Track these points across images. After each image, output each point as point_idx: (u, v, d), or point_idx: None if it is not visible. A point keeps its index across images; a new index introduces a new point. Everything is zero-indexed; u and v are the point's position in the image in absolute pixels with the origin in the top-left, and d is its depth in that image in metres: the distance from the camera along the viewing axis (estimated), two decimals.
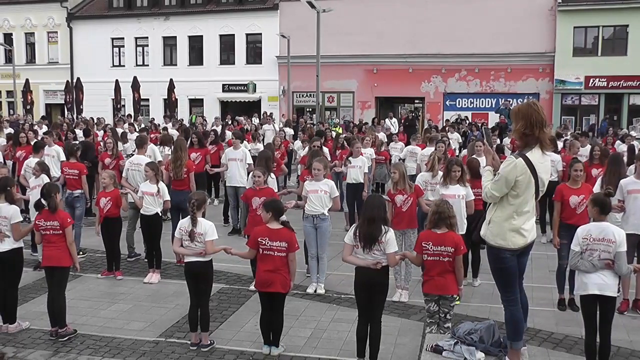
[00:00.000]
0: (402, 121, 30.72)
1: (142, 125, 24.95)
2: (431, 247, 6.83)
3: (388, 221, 6.92)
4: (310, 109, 36.47)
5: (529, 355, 6.69)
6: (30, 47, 43.32)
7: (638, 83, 32.87)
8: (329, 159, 14.41)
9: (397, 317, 8.65)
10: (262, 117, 30.93)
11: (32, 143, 13.65)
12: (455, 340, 6.43)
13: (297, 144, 18.68)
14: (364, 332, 6.94)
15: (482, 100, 36.33)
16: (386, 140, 21.03)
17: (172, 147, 12.98)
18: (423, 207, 9.29)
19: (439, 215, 6.88)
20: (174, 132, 20.69)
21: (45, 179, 10.61)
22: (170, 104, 34.41)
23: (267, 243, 7.16)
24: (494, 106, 34.56)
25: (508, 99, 31.92)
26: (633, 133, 23.99)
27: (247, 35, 39.30)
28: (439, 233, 6.85)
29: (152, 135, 19.39)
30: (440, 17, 34.45)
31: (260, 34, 38.82)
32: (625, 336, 7.99)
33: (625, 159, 11.22)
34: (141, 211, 10.57)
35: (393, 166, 9.69)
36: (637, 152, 12.39)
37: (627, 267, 6.75)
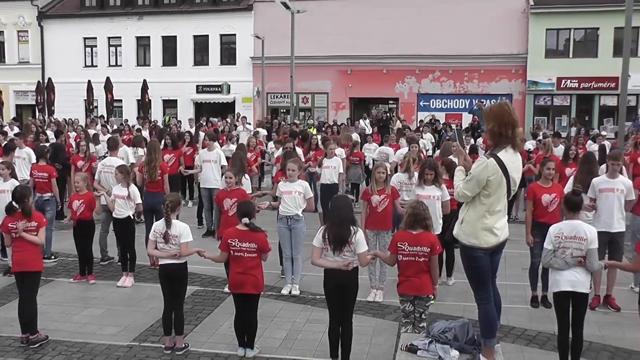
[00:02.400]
0: (373, 122, 30.80)
1: (115, 127, 24.74)
2: (407, 248, 6.83)
3: (356, 221, 6.92)
4: (285, 110, 36.49)
5: (503, 352, 6.73)
6: (0, 46, 42.74)
7: (608, 84, 33.29)
8: (303, 159, 14.44)
9: (372, 317, 8.67)
10: (235, 119, 30.75)
11: (2, 145, 13.45)
12: (430, 339, 6.46)
13: (271, 145, 18.63)
14: (336, 333, 6.94)
15: (456, 101, 36.62)
16: (360, 141, 21.06)
17: (146, 148, 12.88)
18: (398, 208, 9.30)
19: (415, 216, 6.88)
20: (146, 134, 20.56)
21: (15, 182, 10.42)
22: (143, 105, 34.18)
23: (237, 244, 7.13)
24: (467, 107, 34.87)
25: (481, 100, 32.17)
26: (604, 133, 24.27)
27: (221, 36, 39.20)
28: (414, 233, 6.86)
29: (125, 137, 19.23)
30: (414, 19, 34.62)
31: (235, 34, 38.75)
32: (597, 331, 8.10)
33: (597, 158, 11.36)
34: (113, 214, 10.48)
35: (381, 166, 9.63)
36: (608, 151, 12.54)
37: (598, 264, 6.86)
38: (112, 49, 40.97)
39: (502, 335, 7.61)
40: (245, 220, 7.16)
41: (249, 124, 28.48)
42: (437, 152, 16.50)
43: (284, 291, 9.68)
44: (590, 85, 34.49)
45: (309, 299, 9.40)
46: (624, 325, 8.40)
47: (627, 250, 9.93)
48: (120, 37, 40.54)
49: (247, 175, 10.97)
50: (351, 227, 6.77)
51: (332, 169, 13.32)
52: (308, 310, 8.98)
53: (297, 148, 14.97)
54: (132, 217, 10.45)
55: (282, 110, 37.68)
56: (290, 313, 8.86)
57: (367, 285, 9.33)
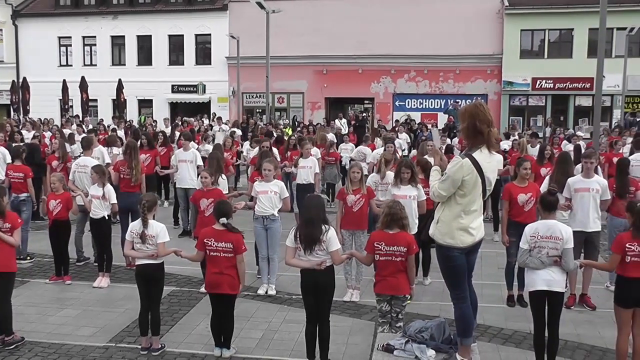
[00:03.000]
0: (352, 122, 30.86)
1: (90, 127, 24.52)
2: (383, 247, 6.84)
3: (328, 220, 6.92)
4: (260, 110, 36.41)
5: (479, 351, 6.77)
6: None
7: (583, 85, 33.66)
8: (279, 159, 14.44)
9: (349, 317, 8.68)
10: (211, 118, 30.64)
11: None
12: (407, 338, 6.48)
13: (246, 145, 18.55)
14: (313, 333, 6.93)
15: (431, 101, 36.82)
16: (336, 141, 21.10)
17: (122, 148, 12.78)
18: (374, 208, 9.31)
19: (391, 216, 6.90)
20: (121, 134, 20.39)
21: None
22: (119, 105, 33.93)
23: (213, 244, 7.11)
24: (443, 107, 35.07)
25: (457, 100, 32.35)
26: (579, 133, 24.53)
27: (197, 35, 39.06)
28: (391, 233, 6.87)
29: (100, 137, 19.06)
30: (389, 19, 34.73)
31: (210, 34, 38.63)
32: (572, 330, 8.18)
33: (572, 158, 11.45)
34: (90, 214, 10.39)
35: (356, 165, 9.65)
36: (583, 151, 12.65)
37: (574, 263, 6.92)
38: (87, 48, 40.65)
39: (478, 335, 7.65)
40: (223, 220, 7.14)
41: (225, 123, 28.40)
42: (413, 152, 16.56)
43: (260, 291, 9.66)
44: (565, 86, 34.86)
45: (285, 299, 9.39)
46: (600, 323, 8.48)
47: (603, 249, 10.06)
48: (95, 37, 40.24)
49: (224, 176, 10.93)
50: (322, 226, 6.77)
51: (308, 169, 13.32)
52: (284, 310, 8.97)
53: (273, 148, 14.96)
54: (107, 218, 10.36)
55: (257, 110, 37.59)
56: (267, 313, 8.84)
57: (343, 285, 9.34)
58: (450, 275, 6.27)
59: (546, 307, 6.75)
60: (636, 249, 6.61)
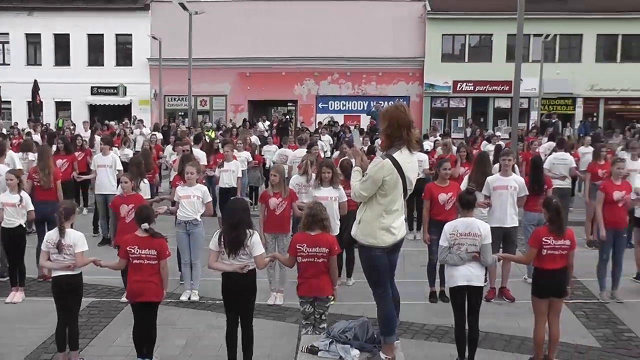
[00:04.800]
0: (275, 125, 30.80)
1: (4, 131, 23.62)
2: (305, 249, 6.84)
3: (252, 224, 6.87)
4: (183, 113, 35.88)
5: (403, 348, 6.84)
6: None
7: (502, 88, 34.65)
8: (205, 163, 14.30)
9: (273, 320, 8.64)
10: (132, 121, 30.00)
11: None
12: (331, 339, 6.48)
13: (168, 149, 18.25)
14: (234, 338, 6.88)
15: (354, 103, 37.14)
16: (259, 143, 20.99)
17: (36, 153, 12.35)
18: (296, 211, 9.26)
19: (312, 217, 6.91)
20: (37, 138, 19.76)
21: None
22: (34, 107, 32.58)
23: (137, 251, 6.93)
24: (365, 109, 35.42)
25: (379, 102, 32.76)
26: (499, 134, 25.16)
27: (117, 35, 38.08)
28: (312, 235, 6.87)
29: (15, 142, 18.40)
30: (313, 21, 34.89)
31: (131, 34, 37.72)
32: (492, 322, 8.38)
33: (491, 157, 11.74)
34: (2, 224, 9.71)
35: (274, 169, 9.65)
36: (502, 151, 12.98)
37: (492, 258, 7.15)
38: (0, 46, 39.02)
39: (401, 332, 7.75)
40: (145, 225, 6.97)
41: (145, 127, 27.87)
42: (336, 153, 16.64)
43: (183, 297, 9.52)
44: (485, 89, 35.83)
45: (209, 305, 9.27)
46: (518, 314, 8.74)
47: (521, 244, 10.32)
48: (8, 34, 38.40)
49: (145, 180, 10.73)
50: (247, 230, 6.71)
51: (231, 173, 13.21)
52: (208, 315, 8.86)
53: (199, 151, 14.82)
54: (23, 226, 9.87)
55: (180, 113, 37.01)
56: (190, 319, 8.72)
57: (267, 289, 9.29)
58: (372, 275, 6.30)
59: (466, 302, 6.91)
60: (552, 242, 6.86)
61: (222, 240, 6.74)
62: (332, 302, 7.29)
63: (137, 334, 7.13)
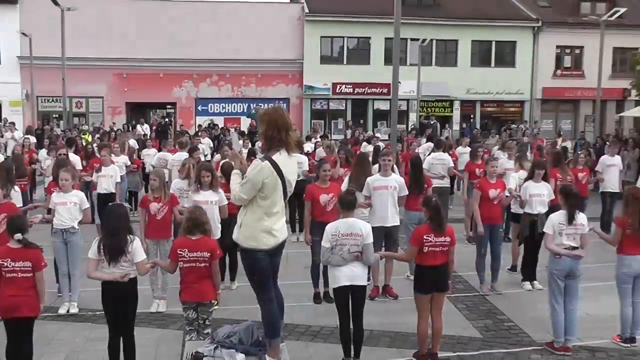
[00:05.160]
0: (154, 128, 30.18)
1: None
2: (187, 254, 6.74)
3: (132, 230, 6.69)
4: (57, 115, 34.42)
5: (288, 350, 6.86)
6: None
7: (381, 90, 35.46)
8: (80, 168, 13.80)
9: (156, 328, 8.43)
10: (2, 124, 28.48)
11: None
12: (215, 344, 6.42)
13: (42, 153, 17.46)
14: (116, 348, 6.66)
15: (234, 105, 36.94)
16: (138, 147, 20.46)
17: None
18: (177, 216, 9.09)
19: (193, 221, 6.83)
20: None
21: None
22: None
23: (10, 264, 6.50)
24: (245, 111, 35.34)
25: (259, 104, 32.67)
26: (378, 135, 25.70)
27: None
28: (194, 239, 6.78)
29: None
30: (191, 22, 34.36)
31: None
32: (377, 320, 8.52)
33: (370, 158, 11.93)
34: None
35: (153, 173, 9.46)
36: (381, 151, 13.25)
37: (374, 257, 7.31)
38: None
39: (287, 334, 7.75)
40: (18, 236, 6.56)
41: (17, 130, 26.56)
42: (217, 157, 16.49)
43: (62, 310, 9.11)
44: (364, 91, 36.55)
45: (89, 317, 8.90)
46: (402, 311, 8.89)
47: (403, 242, 10.54)
48: None
49: (17, 187, 10.21)
50: (127, 236, 6.53)
51: (109, 178, 12.82)
52: (88, 328, 8.50)
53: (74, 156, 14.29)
54: None
55: (54, 116, 35.41)
56: (69, 333, 8.34)
57: (149, 296, 9.06)
58: (255, 278, 6.29)
59: (350, 301, 6.98)
60: (432, 239, 7.04)
61: (101, 248, 6.51)
62: (215, 307, 7.21)
63: (11, 353, 6.66)
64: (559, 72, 38.75)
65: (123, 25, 34.06)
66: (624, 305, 7.94)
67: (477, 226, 10.01)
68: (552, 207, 9.63)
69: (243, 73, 36.29)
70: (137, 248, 6.58)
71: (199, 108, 36.84)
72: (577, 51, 38.86)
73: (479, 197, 10.10)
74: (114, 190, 12.81)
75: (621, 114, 36.92)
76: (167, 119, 35.00)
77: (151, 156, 17.89)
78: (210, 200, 9.09)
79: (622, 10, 28.46)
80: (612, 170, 14.41)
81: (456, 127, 37.47)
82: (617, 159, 14.97)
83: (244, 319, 7.48)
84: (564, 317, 7.66)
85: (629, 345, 7.88)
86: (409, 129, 30.81)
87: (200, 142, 20.13)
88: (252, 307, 7.79)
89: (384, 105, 36.13)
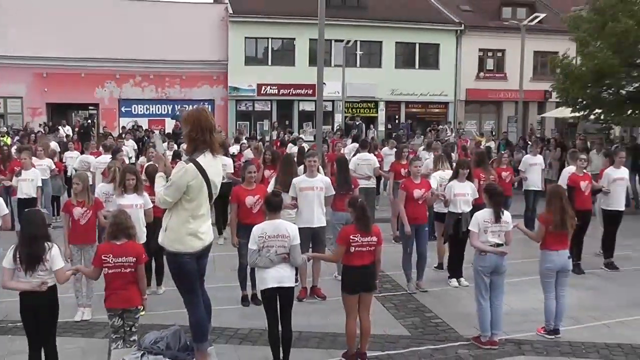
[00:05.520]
0: (76, 129, 29.41)
1: None
2: (112, 259, 6.58)
3: (50, 237, 6.49)
4: None
5: (217, 354, 6.81)
6: None
7: (306, 91, 35.53)
8: None
9: (81, 337, 8.19)
10: None
11: None
12: (142, 351, 6.34)
13: None
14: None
15: (158, 107, 36.38)
16: (59, 149, 19.91)
17: None
18: (101, 221, 8.87)
19: (117, 226, 6.68)
20: None
21: None
22: None
23: None
24: (170, 112, 34.96)
25: (184, 106, 32.18)
26: (303, 136, 25.77)
27: None
28: (118, 244, 6.64)
29: None
30: (113, 21, 33.48)
31: None
32: (305, 321, 8.54)
33: (296, 159, 11.94)
34: None
35: (76, 176, 9.19)
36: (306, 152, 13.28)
37: (301, 258, 7.29)
38: None
39: (215, 337, 7.69)
40: None
41: None
42: (141, 159, 16.24)
43: None
44: (289, 92, 36.57)
45: (9, 328, 8.54)
46: (330, 311, 8.95)
47: (330, 242, 10.58)
48: None
49: None
50: (45, 244, 6.32)
51: (30, 182, 12.43)
52: (6, 340, 8.15)
53: None
54: None
55: None
56: None
57: (74, 304, 8.82)
58: (182, 282, 6.22)
59: (278, 303, 6.97)
60: (359, 239, 7.08)
61: (17, 256, 6.28)
62: (142, 313, 7.10)
63: None
64: (481, 74, 39.81)
65: (43, 22, 32.92)
66: (547, 299, 8.20)
67: (404, 226, 10.13)
68: (476, 206, 9.85)
69: (167, 74, 35.78)
70: (55, 255, 6.37)
71: (123, 109, 36.10)
72: (499, 54, 40.01)
73: (404, 197, 10.23)
74: (34, 195, 12.44)
75: (542, 115, 38.24)
76: (89, 121, 34.13)
77: (73, 159, 17.46)
78: (135, 204, 8.94)
79: (542, 15, 29.34)
80: (534, 169, 14.91)
81: (381, 127, 37.94)
82: (540, 158, 15.50)
83: (171, 324, 7.40)
84: (490, 312, 7.85)
85: (553, 336, 8.14)
86: (335, 129, 31.03)
87: (124, 145, 19.75)
88: (179, 312, 7.71)
89: (309, 106, 36.22)
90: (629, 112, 20.56)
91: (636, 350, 7.82)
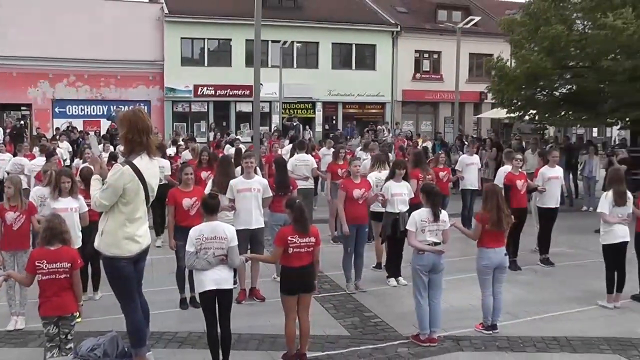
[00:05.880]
0: (8, 131, 28.57)
1: None
2: (45, 265, 6.41)
3: None
4: None
5: (156, 359, 6.71)
6: None
7: (243, 92, 35.41)
8: None
9: (14, 348, 7.92)
10: None
11: None
12: (79, 359, 6.18)
13: None
14: None
15: (94, 107, 35.67)
16: None
17: None
18: (35, 225, 8.64)
19: (51, 231, 6.51)
20: None
21: None
22: None
23: None
24: (105, 113, 34.33)
25: (119, 106, 31.66)
26: (241, 138, 25.68)
27: None
28: (52, 249, 6.47)
29: None
30: (46, 20, 32.65)
31: None
32: (244, 323, 8.49)
33: (233, 160, 11.87)
34: None
35: (8, 180, 8.92)
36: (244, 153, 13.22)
37: (239, 259, 7.23)
38: None
39: (153, 342, 7.56)
40: None
41: None
42: (77, 161, 15.91)
43: None
44: (226, 93, 36.38)
45: None
46: (270, 313, 8.92)
47: (268, 244, 10.57)
48: None
49: None
50: None
51: None
52: None
53: None
54: None
55: None
56: None
57: (6, 313, 8.56)
58: (119, 286, 6.13)
59: (217, 305, 6.92)
60: (297, 240, 7.08)
61: None
62: (78, 320, 6.94)
63: None
64: (418, 75, 40.39)
65: None
66: (485, 295, 8.36)
67: (342, 226, 10.18)
68: (413, 205, 9.96)
69: (102, 74, 35.10)
70: None
71: (57, 110, 35.18)
72: (435, 56, 40.72)
73: (343, 197, 10.28)
74: None
75: (478, 116, 39.05)
76: (22, 122, 33.17)
77: (5, 161, 16.90)
78: (70, 208, 8.73)
79: (477, 18, 29.94)
80: (471, 168, 15.20)
81: (319, 128, 38.09)
82: (476, 158, 15.81)
83: (108, 330, 7.28)
84: (429, 310, 7.95)
85: (490, 332, 8.31)
86: (272, 130, 31.00)
87: (59, 147, 19.30)
88: (116, 317, 7.59)
89: (246, 108, 36.03)
90: (563, 113, 21.15)
91: (571, 343, 8.04)
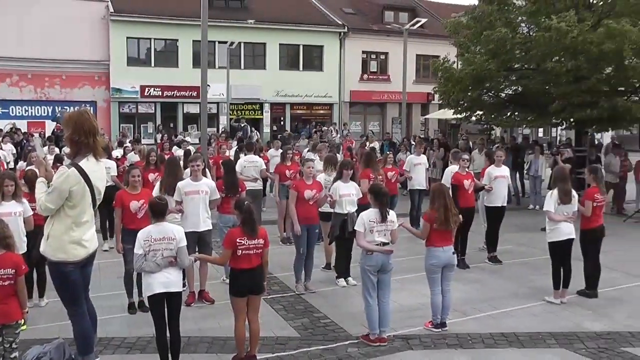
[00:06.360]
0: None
1: None
2: None
3: None
4: None
5: None
6: None
7: (190, 93, 35.05)
8: None
9: None
10: None
11: None
12: None
13: None
14: None
15: (38, 108, 34.87)
16: None
17: None
18: None
19: None
20: None
21: None
22: None
23: None
24: (50, 114, 33.63)
25: (65, 107, 31.01)
26: (188, 139, 25.46)
27: None
28: None
29: None
30: None
31: None
32: (194, 326, 8.46)
33: (182, 163, 11.78)
34: None
35: None
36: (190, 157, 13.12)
37: (188, 260, 7.21)
38: None
39: (101, 348, 7.48)
40: None
41: None
42: (21, 164, 15.59)
43: None
44: (174, 94, 36.00)
45: None
46: (219, 315, 8.90)
47: (217, 246, 10.51)
48: None
49: None
50: None
51: None
52: None
53: None
54: None
55: None
56: None
57: None
58: (66, 292, 6.03)
59: (166, 309, 6.87)
60: (246, 242, 7.06)
61: None
62: (23, 328, 6.81)
63: None
64: (365, 76, 40.64)
65: None
66: (433, 294, 8.47)
67: (294, 225, 10.19)
68: (361, 206, 10.02)
69: (46, 74, 34.34)
70: None
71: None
72: (382, 57, 41.03)
73: (295, 197, 10.29)
74: None
75: (426, 116, 39.48)
76: None
77: None
78: (14, 212, 8.48)
79: (423, 20, 30.26)
80: (419, 168, 15.34)
81: (267, 129, 38.02)
82: (423, 158, 15.97)
83: (54, 338, 7.15)
84: (378, 310, 8.01)
85: (440, 330, 8.42)
86: (220, 132, 30.82)
87: (1, 149, 18.86)
88: (63, 324, 7.46)
89: (194, 109, 35.65)
90: (509, 113, 21.50)
91: (519, 338, 8.21)
